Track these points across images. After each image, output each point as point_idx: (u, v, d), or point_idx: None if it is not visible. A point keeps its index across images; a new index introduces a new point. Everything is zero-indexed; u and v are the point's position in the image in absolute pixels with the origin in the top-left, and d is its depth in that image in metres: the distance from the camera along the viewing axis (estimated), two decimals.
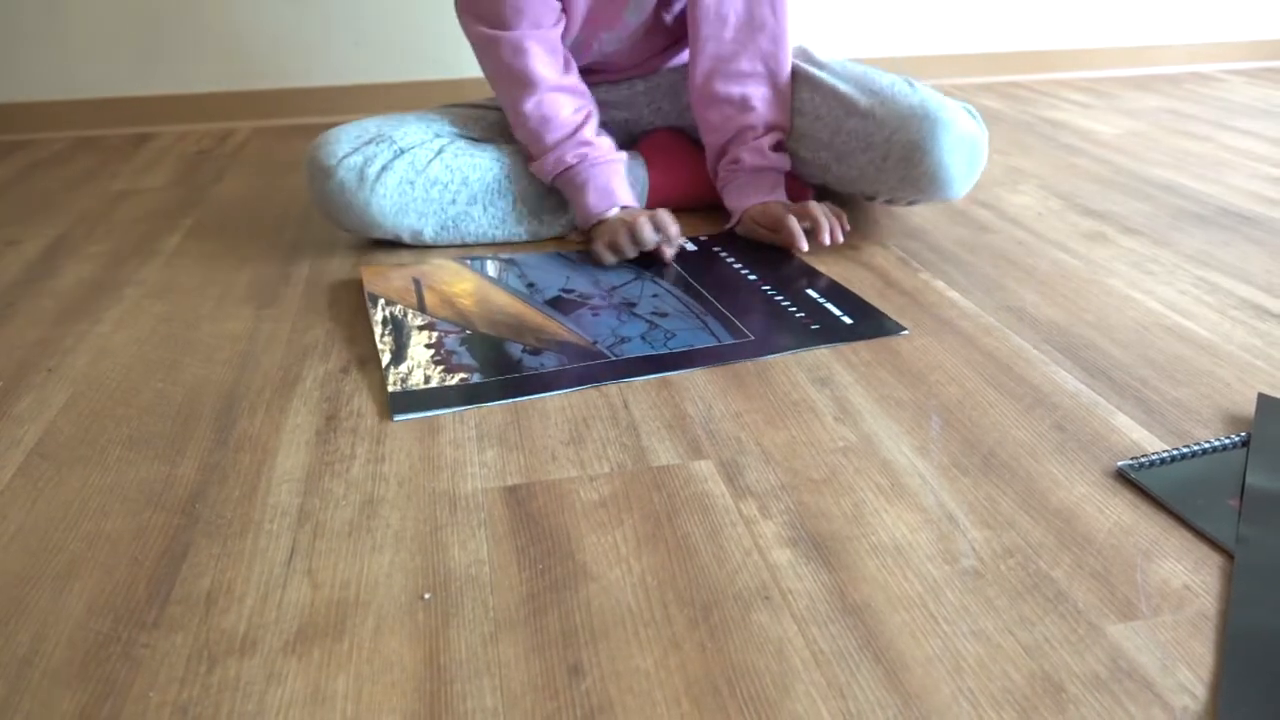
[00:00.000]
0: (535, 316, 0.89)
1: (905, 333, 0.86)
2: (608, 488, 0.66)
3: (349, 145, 1.05)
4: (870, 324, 0.88)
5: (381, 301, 0.91)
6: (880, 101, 1.03)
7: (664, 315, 0.90)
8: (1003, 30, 2.14)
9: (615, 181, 1.07)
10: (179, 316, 0.95)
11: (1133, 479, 0.65)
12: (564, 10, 1.08)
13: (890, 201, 1.09)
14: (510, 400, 0.76)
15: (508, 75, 1.06)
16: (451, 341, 0.84)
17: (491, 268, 1.02)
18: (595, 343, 0.85)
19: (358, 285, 1.01)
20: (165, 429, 0.74)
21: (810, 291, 0.95)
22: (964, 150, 1.01)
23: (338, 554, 0.59)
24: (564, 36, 1.10)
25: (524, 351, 0.83)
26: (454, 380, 0.79)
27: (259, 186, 1.42)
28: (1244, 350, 0.83)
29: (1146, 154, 1.50)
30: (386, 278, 0.98)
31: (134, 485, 0.67)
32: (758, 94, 1.09)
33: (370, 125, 1.08)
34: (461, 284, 0.96)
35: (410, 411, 0.74)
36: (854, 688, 0.49)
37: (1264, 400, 0.74)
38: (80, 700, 0.49)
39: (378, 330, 0.86)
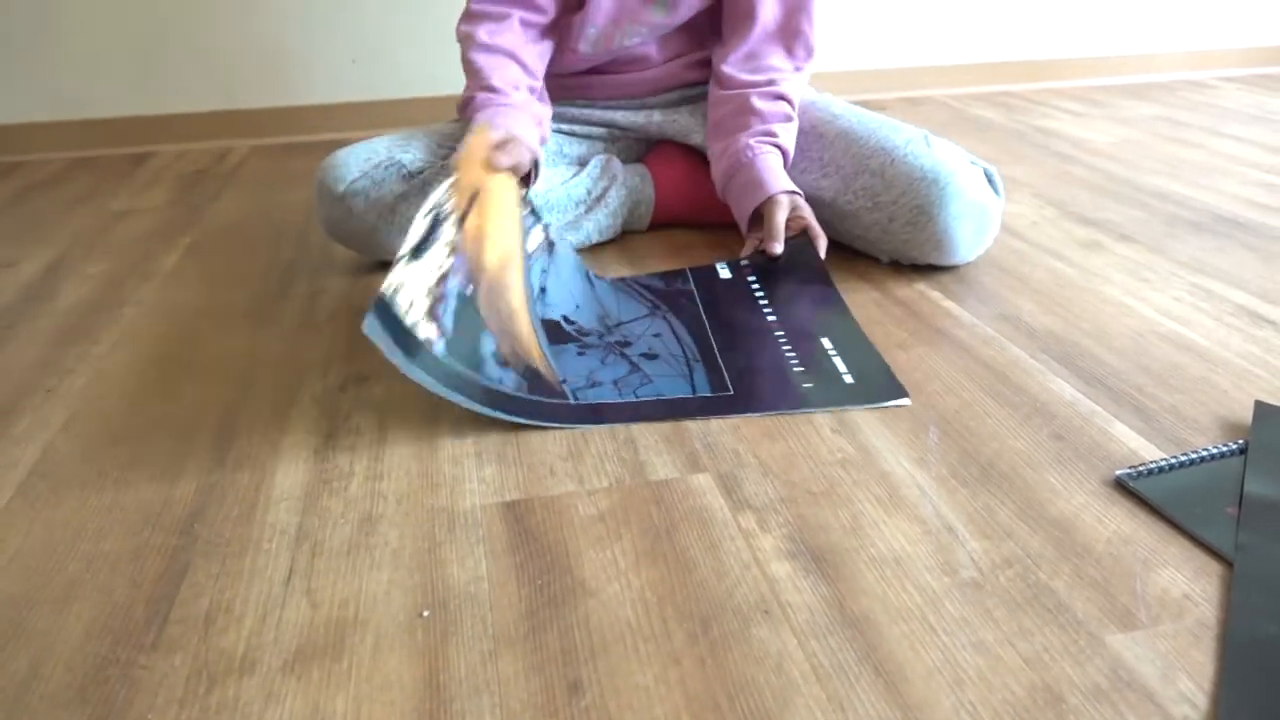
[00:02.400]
0: (524, 327, 0.83)
1: (905, 401, 0.77)
2: (606, 502, 0.66)
3: (357, 170, 1.04)
4: (870, 387, 0.80)
5: (440, 192, 0.81)
6: (891, 161, 1.01)
7: (653, 358, 0.86)
8: (996, 40, 2.15)
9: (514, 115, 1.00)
10: (177, 336, 0.95)
11: (1131, 488, 0.65)
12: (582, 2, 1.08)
13: (894, 262, 1.07)
14: (445, 395, 0.72)
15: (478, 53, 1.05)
16: (451, 288, 0.77)
17: (535, 237, 0.94)
18: (564, 381, 0.81)
19: (356, 302, 1.02)
20: (163, 449, 0.74)
21: (825, 340, 0.88)
22: (972, 218, 0.99)
23: (336, 572, 0.59)
24: (586, 27, 1.09)
25: (493, 354, 0.77)
26: (422, 334, 0.73)
27: (257, 205, 1.42)
28: (1240, 357, 0.83)
29: (1140, 162, 1.50)
30: (472, 168, 0.87)
31: (132, 506, 0.67)
32: (783, 83, 1.09)
33: (380, 147, 1.06)
34: (503, 239, 0.87)
35: (377, 334, 0.69)
36: (854, 701, 0.49)
37: (1261, 407, 0.74)
38: None
39: (419, 222, 0.78)
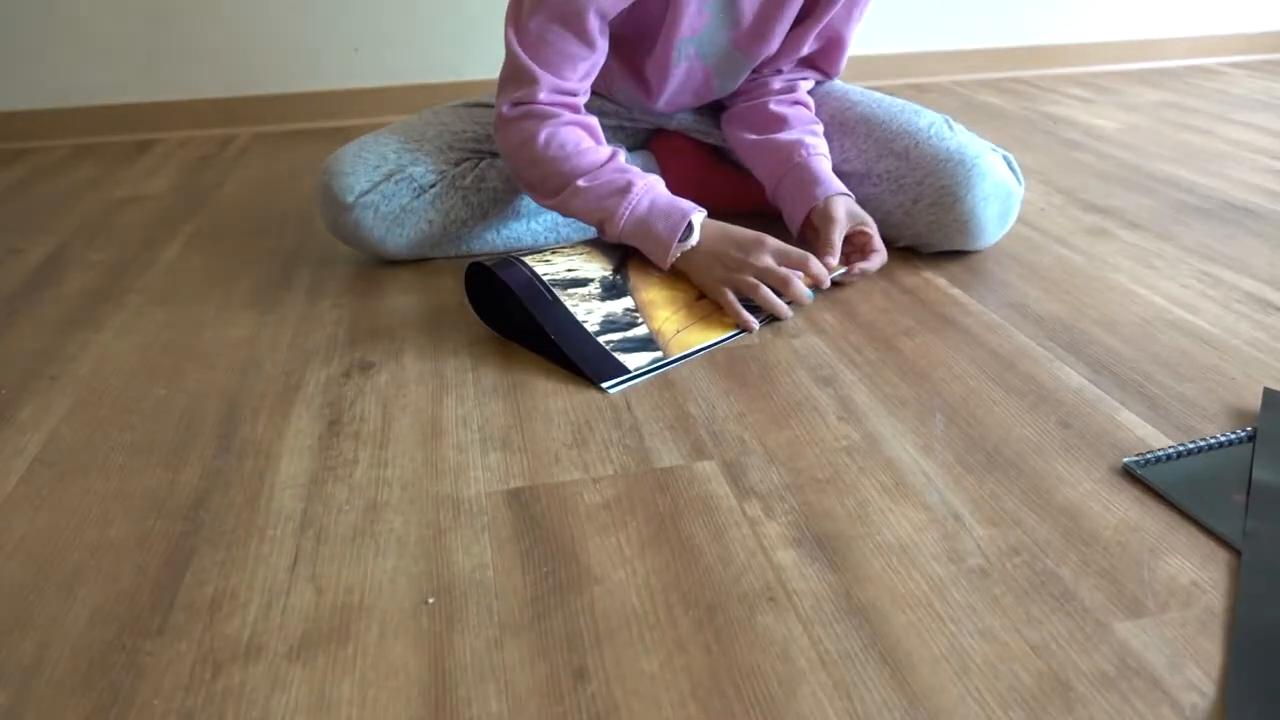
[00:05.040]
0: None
1: (610, 386, 0.79)
2: (611, 490, 0.65)
3: (366, 180, 1.01)
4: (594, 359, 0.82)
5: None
6: (916, 143, 1.00)
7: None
8: (1004, 26, 2.13)
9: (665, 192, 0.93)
10: (181, 323, 0.95)
11: (1138, 475, 0.64)
12: (648, 88, 1.07)
13: (911, 248, 1.06)
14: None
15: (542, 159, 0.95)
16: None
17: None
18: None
19: (359, 289, 1.01)
20: (168, 436, 0.74)
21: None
22: (998, 200, 0.99)
23: (341, 559, 0.59)
24: (649, 99, 1.09)
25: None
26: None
27: (260, 192, 1.42)
28: (1249, 344, 0.83)
29: (1148, 148, 1.49)
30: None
31: (137, 492, 0.67)
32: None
33: (388, 153, 1.02)
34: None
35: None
36: (860, 688, 0.49)
37: (1270, 394, 0.73)
38: (85, 709, 0.49)
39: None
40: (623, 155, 0.96)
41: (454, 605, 0.55)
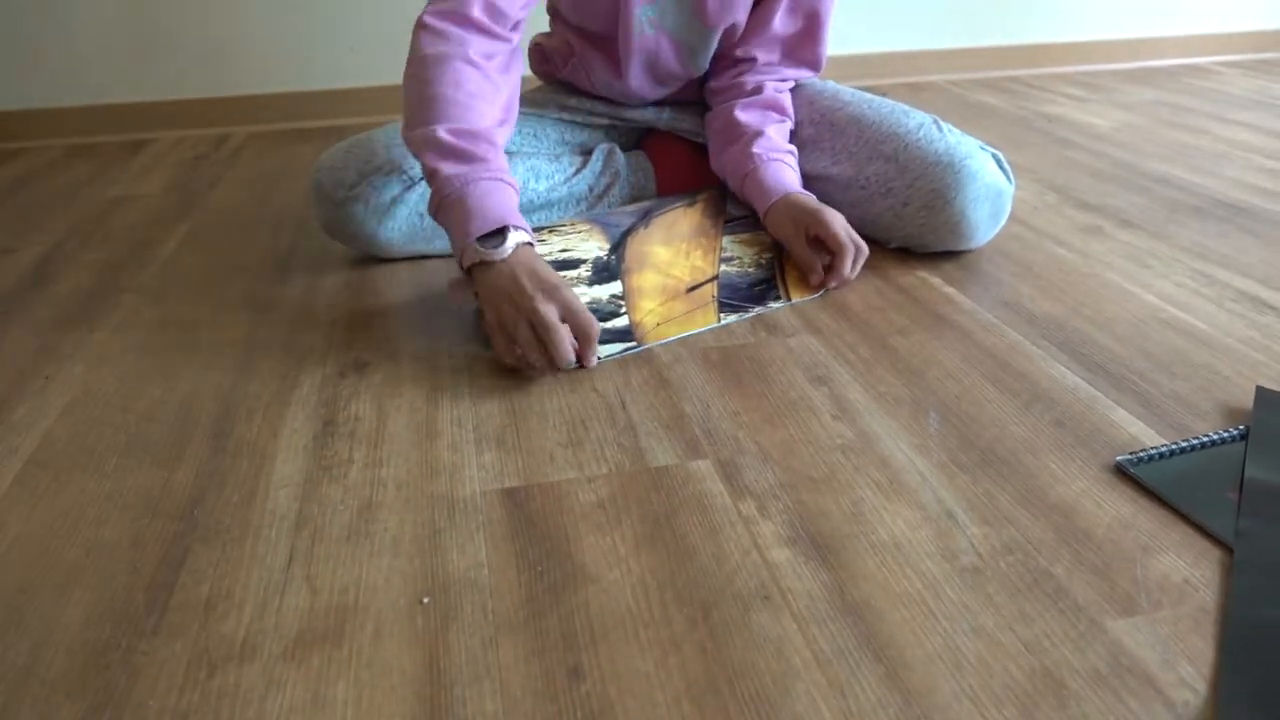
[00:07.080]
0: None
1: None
2: (606, 489, 0.65)
3: (356, 173, 1.01)
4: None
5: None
6: (904, 146, 1.00)
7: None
8: (998, 25, 2.14)
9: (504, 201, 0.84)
10: (176, 323, 0.95)
11: (1131, 474, 0.65)
12: (614, 69, 1.06)
13: (901, 248, 1.06)
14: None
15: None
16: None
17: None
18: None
19: (354, 289, 1.01)
20: (163, 436, 0.74)
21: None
22: (988, 201, 0.99)
23: (336, 559, 0.59)
24: (621, 79, 1.09)
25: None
26: None
27: (255, 191, 1.42)
28: (1242, 343, 0.83)
29: (1143, 147, 1.49)
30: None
31: (132, 492, 0.67)
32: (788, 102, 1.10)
33: (378, 148, 1.02)
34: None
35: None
36: (854, 686, 0.49)
37: (1262, 393, 0.74)
38: (79, 709, 0.49)
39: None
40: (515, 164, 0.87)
41: (449, 605, 0.55)
